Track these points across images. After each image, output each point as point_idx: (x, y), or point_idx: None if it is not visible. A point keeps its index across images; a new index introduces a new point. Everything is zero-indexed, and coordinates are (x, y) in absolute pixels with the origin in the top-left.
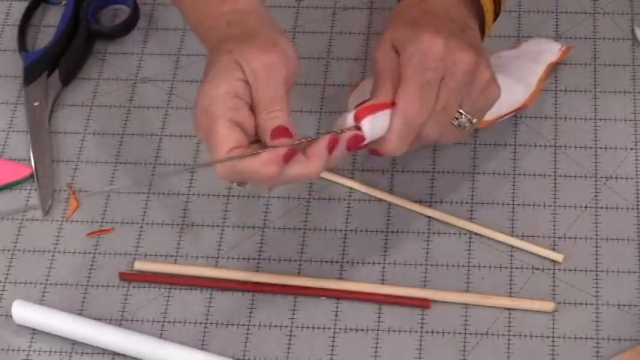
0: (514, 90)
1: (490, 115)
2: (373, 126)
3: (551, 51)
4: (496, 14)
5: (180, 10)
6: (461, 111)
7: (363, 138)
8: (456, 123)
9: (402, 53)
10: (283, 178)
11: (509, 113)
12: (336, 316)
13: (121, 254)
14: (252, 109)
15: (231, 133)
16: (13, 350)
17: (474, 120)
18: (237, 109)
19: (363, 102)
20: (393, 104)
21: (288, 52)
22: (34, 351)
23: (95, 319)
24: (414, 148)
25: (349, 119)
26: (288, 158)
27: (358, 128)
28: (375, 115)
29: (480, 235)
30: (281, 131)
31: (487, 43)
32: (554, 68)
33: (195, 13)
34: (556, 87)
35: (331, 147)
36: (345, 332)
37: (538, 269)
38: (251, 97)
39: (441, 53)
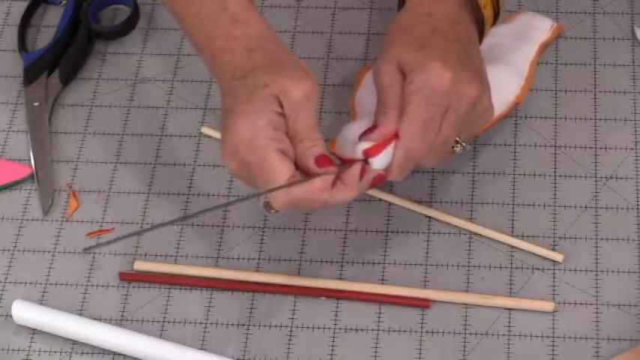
0: (506, 83)
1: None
2: (381, 162)
3: (543, 29)
4: (495, 18)
5: (182, 26)
6: (458, 140)
7: (386, 177)
8: (451, 150)
9: (408, 81)
10: (328, 203)
11: (502, 116)
12: (336, 316)
13: (121, 254)
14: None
15: (284, 163)
16: (13, 350)
17: (468, 146)
18: (281, 139)
19: (368, 130)
20: (396, 136)
21: (313, 76)
22: (34, 351)
23: (95, 319)
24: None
25: (358, 151)
26: (333, 185)
27: (366, 160)
28: (383, 152)
29: (480, 235)
30: (325, 159)
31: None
32: (544, 49)
33: (203, 31)
34: (556, 87)
35: (361, 175)
36: (345, 332)
37: (538, 269)
38: (286, 127)
39: (447, 88)
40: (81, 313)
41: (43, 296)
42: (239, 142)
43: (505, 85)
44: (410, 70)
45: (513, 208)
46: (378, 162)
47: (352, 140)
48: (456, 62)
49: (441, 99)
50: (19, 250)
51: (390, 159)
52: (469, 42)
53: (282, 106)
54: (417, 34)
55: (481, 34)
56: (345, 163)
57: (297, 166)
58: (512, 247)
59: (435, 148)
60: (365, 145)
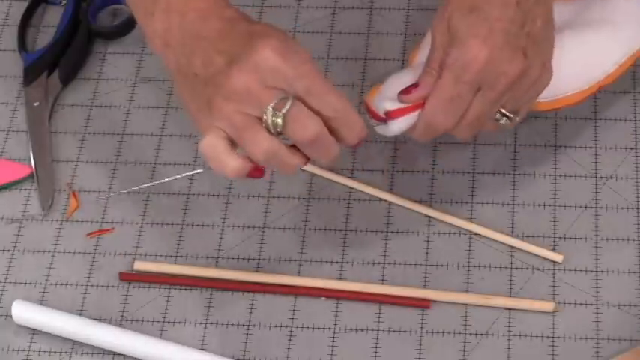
0: (604, 51)
1: (580, 86)
2: (400, 127)
3: None
4: None
5: None
6: (503, 110)
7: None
8: (496, 121)
9: (447, 53)
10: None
11: (593, 91)
12: (336, 316)
13: (121, 254)
14: None
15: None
16: (13, 350)
17: (517, 117)
18: None
19: (410, 88)
20: (423, 104)
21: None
22: (34, 351)
23: (95, 319)
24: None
25: (382, 108)
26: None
27: (385, 120)
28: (405, 117)
29: (480, 235)
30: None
31: None
32: None
33: None
34: None
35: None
36: (345, 332)
37: (538, 269)
38: None
39: (481, 68)
40: (81, 313)
41: (43, 296)
42: (284, 41)
43: (601, 54)
44: (452, 40)
45: (513, 208)
46: (397, 126)
47: (390, 95)
48: (501, 36)
49: (473, 77)
50: (19, 250)
51: (410, 125)
52: (535, 1)
53: None
54: None
55: None
56: (370, 114)
57: None
58: (512, 247)
59: (466, 123)
60: (389, 105)
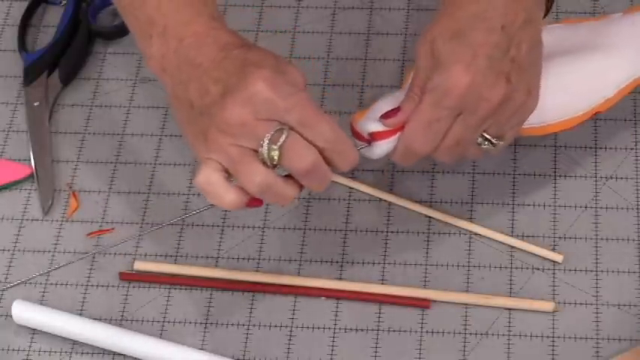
0: (602, 78)
1: (574, 111)
2: (382, 149)
3: None
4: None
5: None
6: (486, 135)
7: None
8: (479, 146)
9: (431, 73)
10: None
11: (589, 116)
12: (336, 316)
13: (121, 254)
14: None
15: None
16: (13, 350)
17: (501, 142)
18: None
19: (391, 112)
20: (402, 127)
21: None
22: (34, 351)
23: (95, 319)
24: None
25: (366, 130)
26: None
27: (369, 141)
28: (388, 139)
29: (480, 235)
30: None
31: None
32: None
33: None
34: None
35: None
36: (345, 332)
37: (538, 269)
38: None
39: (462, 93)
40: (81, 313)
41: (43, 296)
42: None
43: (599, 79)
44: (435, 64)
45: (513, 208)
46: (380, 148)
47: (375, 118)
48: (484, 62)
49: (453, 103)
50: (19, 250)
51: (392, 147)
52: (521, 25)
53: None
54: (458, 15)
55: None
56: (355, 135)
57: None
58: (512, 247)
59: (445, 147)
60: (374, 127)
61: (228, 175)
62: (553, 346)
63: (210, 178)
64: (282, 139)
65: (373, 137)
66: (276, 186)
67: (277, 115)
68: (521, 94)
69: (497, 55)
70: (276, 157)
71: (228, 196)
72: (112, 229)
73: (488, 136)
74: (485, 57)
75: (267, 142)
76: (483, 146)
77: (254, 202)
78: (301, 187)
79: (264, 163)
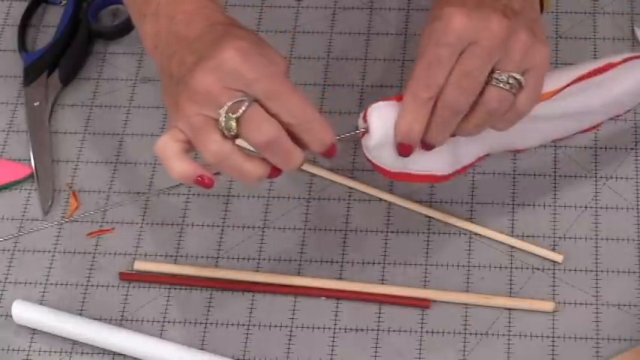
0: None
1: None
2: (379, 114)
3: None
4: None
5: None
6: (500, 73)
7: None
8: (498, 84)
9: (425, 27)
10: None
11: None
12: (336, 316)
13: (121, 254)
14: None
15: None
16: (13, 350)
17: (522, 78)
18: None
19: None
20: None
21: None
22: (34, 351)
23: (95, 319)
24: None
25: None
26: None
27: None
28: (384, 104)
29: (480, 235)
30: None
31: None
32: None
33: None
34: None
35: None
36: (345, 332)
37: (538, 269)
38: None
39: (460, 27)
40: (81, 313)
41: (43, 296)
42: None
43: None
44: (430, 19)
45: (513, 208)
46: (377, 115)
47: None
48: (474, 3)
49: (452, 38)
50: (19, 250)
51: (392, 122)
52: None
53: None
54: None
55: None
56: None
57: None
58: (512, 247)
59: (454, 83)
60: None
61: (191, 147)
62: (553, 346)
63: (166, 144)
64: (241, 110)
65: (365, 112)
66: (233, 158)
67: (244, 85)
68: (525, 33)
69: (488, 1)
70: (233, 127)
71: (177, 165)
72: (112, 229)
73: (503, 75)
74: (475, 2)
75: (226, 110)
76: (503, 88)
77: (205, 180)
78: (268, 166)
79: (223, 133)
